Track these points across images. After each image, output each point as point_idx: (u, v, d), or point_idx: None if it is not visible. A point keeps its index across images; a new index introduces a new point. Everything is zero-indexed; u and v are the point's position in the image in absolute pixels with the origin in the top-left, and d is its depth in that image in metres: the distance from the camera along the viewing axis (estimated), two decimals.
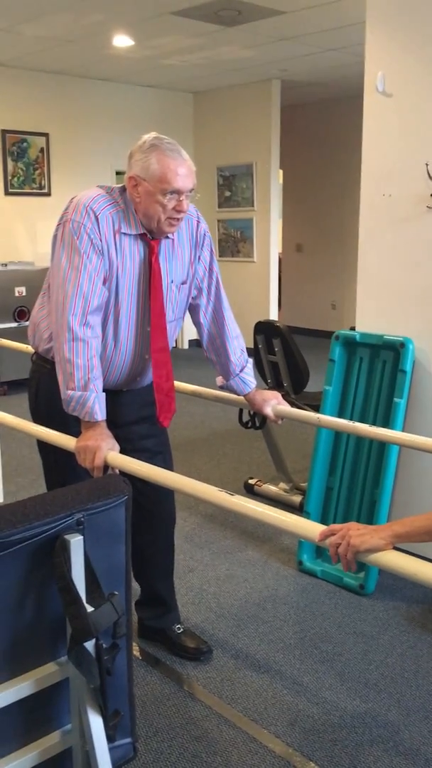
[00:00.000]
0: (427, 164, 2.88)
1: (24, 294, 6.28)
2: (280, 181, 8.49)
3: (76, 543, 1.40)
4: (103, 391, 2.02)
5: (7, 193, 6.90)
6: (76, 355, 1.97)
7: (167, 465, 2.33)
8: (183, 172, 2.00)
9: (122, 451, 1.99)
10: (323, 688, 2.35)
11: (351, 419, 2.97)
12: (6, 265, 6.43)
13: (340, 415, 3.11)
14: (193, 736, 2.12)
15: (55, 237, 2.08)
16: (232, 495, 1.66)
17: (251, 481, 4.00)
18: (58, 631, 1.46)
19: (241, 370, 2.36)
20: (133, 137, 2.09)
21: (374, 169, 3.09)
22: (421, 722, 2.19)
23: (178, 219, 2.05)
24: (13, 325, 6.23)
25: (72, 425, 2.04)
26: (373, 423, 2.95)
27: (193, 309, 2.34)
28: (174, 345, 2.51)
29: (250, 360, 2.41)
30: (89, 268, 2.00)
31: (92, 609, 1.41)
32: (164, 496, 2.40)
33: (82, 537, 1.41)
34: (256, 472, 4.24)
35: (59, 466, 2.21)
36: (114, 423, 2.09)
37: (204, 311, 2.33)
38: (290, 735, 2.14)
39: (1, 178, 6.83)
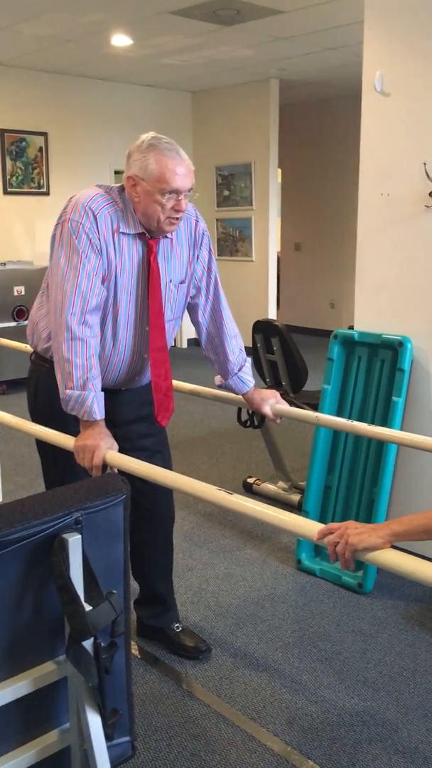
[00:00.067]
0: (425, 163, 2.88)
1: (23, 293, 6.28)
2: (279, 180, 8.49)
3: (75, 542, 1.40)
4: (102, 390, 2.02)
5: (5, 192, 6.90)
6: (75, 355, 1.97)
7: (166, 464, 2.33)
8: (181, 171, 2.00)
9: (121, 450, 1.99)
10: (322, 686, 2.35)
11: (349, 418, 2.97)
12: (5, 264, 6.43)
13: (339, 414, 3.11)
14: (191, 735, 2.13)
15: (53, 236, 2.08)
16: (230, 494, 1.66)
17: (250, 480, 4.00)
18: (57, 630, 1.46)
19: (239, 369, 2.36)
20: (132, 136, 2.09)
21: (372, 169, 3.09)
22: (419, 720, 2.19)
23: (177, 218, 2.06)
24: (12, 324, 6.23)
25: (71, 424, 2.04)
26: (372, 422, 2.95)
27: (191, 308, 2.34)
28: (173, 344, 2.53)
29: (249, 359, 2.42)
30: (88, 268, 2.00)
31: (90, 608, 1.41)
32: (163, 494, 2.40)
33: (80, 536, 1.41)
34: (255, 471, 4.24)
35: (58, 465, 2.21)
36: (113, 422, 2.09)
37: (202, 310, 2.33)
38: (289, 733, 2.14)
39: (0, 178, 6.83)
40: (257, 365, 4.04)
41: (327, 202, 8.85)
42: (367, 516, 3.01)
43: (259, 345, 4.01)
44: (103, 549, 1.49)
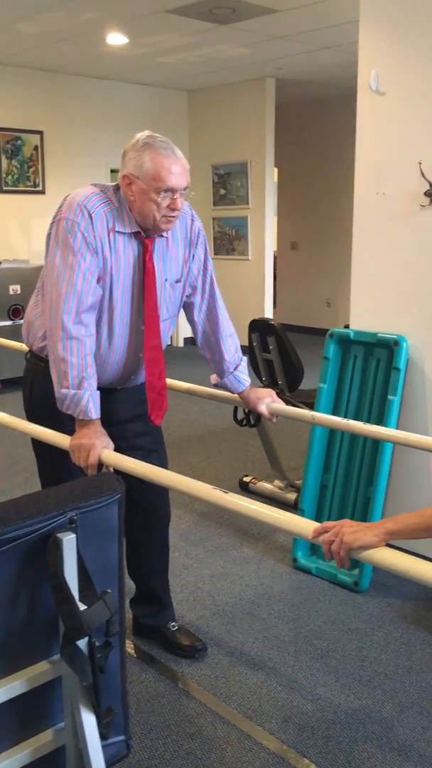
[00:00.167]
0: (420, 163, 2.89)
1: (18, 292, 6.28)
2: (275, 179, 8.49)
3: (69, 541, 1.40)
4: (98, 389, 2.02)
5: (1, 191, 6.89)
6: (70, 354, 1.97)
7: (162, 463, 2.33)
8: (177, 170, 1.99)
9: (117, 449, 1.99)
10: (317, 684, 2.36)
11: (345, 417, 2.98)
12: (0, 263, 6.42)
13: (335, 412, 3.11)
14: (187, 734, 2.13)
15: (49, 235, 2.08)
16: (226, 493, 1.66)
17: (246, 479, 4.00)
18: (51, 629, 1.46)
19: (235, 368, 2.36)
20: (128, 135, 2.09)
21: (368, 168, 3.09)
22: (414, 718, 2.20)
23: (172, 217, 2.05)
24: (8, 323, 6.22)
25: (66, 423, 2.04)
26: (367, 420, 2.95)
27: (187, 307, 2.34)
28: (169, 343, 2.52)
29: (245, 358, 2.42)
30: (83, 267, 1.99)
31: (85, 607, 1.41)
32: (159, 493, 2.40)
33: (74, 535, 1.41)
34: (251, 470, 4.24)
35: (53, 464, 2.21)
36: (108, 421, 2.08)
37: (198, 309, 2.33)
38: (284, 732, 2.14)
39: None
40: (253, 364, 4.04)
41: (323, 201, 8.85)
42: (363, 514, 3.01)
43: (255, 344, 4.01)
44: (97, 548, 1.49)
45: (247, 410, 2.51)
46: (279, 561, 3.19)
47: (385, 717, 2.21)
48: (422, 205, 2.92)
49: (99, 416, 1.99)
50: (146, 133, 2.03)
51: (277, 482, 3.88)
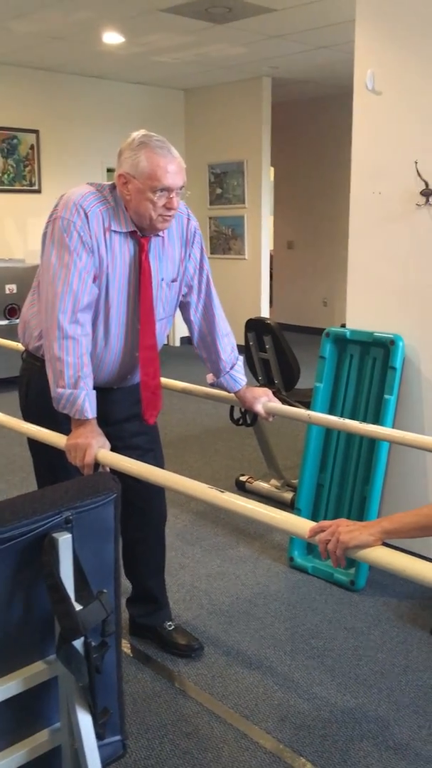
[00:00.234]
0: (416, 162, 2.89)
1: (14, 291, 6.26)
2: (271, 178, 8.49)
3: (65, 541, 1.39)
4: (94, 388, 2.02)
5: None
6: (66, 353, 1.97)
7: (158, 462, 2.33)
8: (173, 169, 1.99)
9: (113, 449, 1.99)
10: (314, 683, 2.36)
11: (341, 416, 2.98)
12: None
13: (331, 412, 3.11)
14: (183, 733, 2.13)
15: (44, 234, 2.07)
16: (222, 492, 1.66)
17: (242, 478, 4.00)
18: (47, 629, 1.46)
19: (231, 368, 2.36)
20: (124, 134, 2.09)
21: (364, 167, 3.09)
22: (410, 717, 2.20)
23: (168, 216, 2.05)
24: (4, 322, 6.21)
25: (62, 423, 2.04)
26: (364, 420, 2.95)
27: (183, 306, 2.33)
28: (165, 342, 2.52)
29: (241, 357, 2.42)
30: (79, 266, 1.99)
31: (81, 607, 1.41)
32: (155, 493, 2.40)
33: (70, 535, 1.41)
34: (248, 469, 4.24)
35: (50, 464, 2.21)
36: (105, 420, 2.08)
37: (194, 309, 2.33)
38: (281, 731, 2.14)
39: None
40: (249, 363, 4.04)
41: (319, 201, 8.86)
42: (359, 513, 3.01)
43: (251, 343, 4.01)
44: (93, 548, 1.49)
45: (243, 409, 2.51)
46: (275, 560, 3.19)
47: (382, 716, 2.21)
48: (418, 205, 2.92)
49: (95, 416, 1.99)
50: (142, 132, 2.03)
51: (273, 481, 3.88)
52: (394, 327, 3.01)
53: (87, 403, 1.97)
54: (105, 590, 1.46)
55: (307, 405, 3.29)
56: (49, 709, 1.54)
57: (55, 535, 1.39)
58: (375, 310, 3.12)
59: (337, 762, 2.02)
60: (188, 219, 2.24)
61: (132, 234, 2.08)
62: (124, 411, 2.28)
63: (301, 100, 8.74)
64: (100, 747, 1.49)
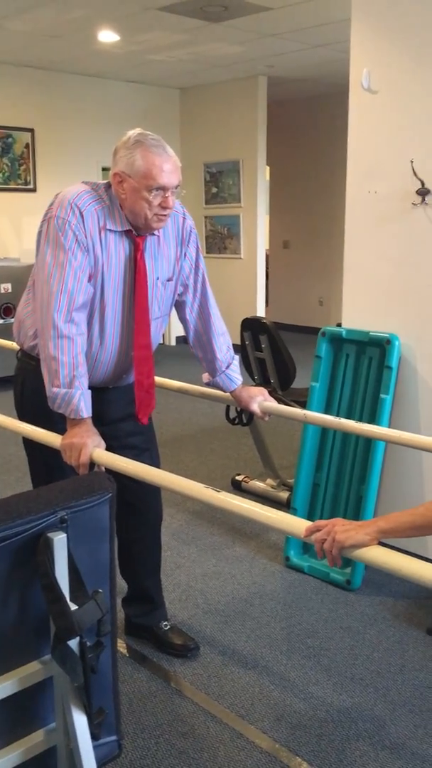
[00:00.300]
0: (412, 161, 2.89)
1: (9, 291, 6.25)
2: (267, 177, 8.49)
3: (60, 541, 1.39)
4: (90, 388, 2.01)
5: None
6: (61, 352, 1.96)
7: (154, 462, 2.32)
8: (168, 168, 1.99)
9: (109, 449, 1.98)
10: (310, 683, 2.36)
11: (337, 415, 2.98)
12: None
13: (327, 411, 3.11)
14: (179, 733, 2.12)
15: (39, 233, 2.06)
16: (218, 492, 1.66)
17: (238, 478, 4.00)
18: (42, 629, 1.45)
19: (227, 367, 2.36)
20: (120, 133, 2.08)
21: (360, 166, 3.09)
22: (406, 716, 2.20)
23: (164, 215, 2.05)
24: None
25: (58, 422, 2.03)
26: (360, 419, 2.95)
27: (179, 306, 2.33)
28: (161, 341, 2.52)
29: (237, 357, 2.41)
30: (74, 265, 1.98)
31: (76, 607, 1.40)
32: (151, 493, 2.39)
33: (65, 535, 1.40)
34: (244, 469, 4.24)
35: (45, 463, 2.20)
36: (100, 420, 2.08)
37: (190, 308, 2.32)
38: (277, 730, 2.14)
39: None
40: (245, 363, 4.04)
41: (315, 200, 8.86)
42: (355, 513, 3.01)
43: (247, 342, 4.01)
44: (88, 548, 1.48)
45: (239, 409, 2.50)
46: (271, 560, 3.19)
47: (378, 715, 2.21)
48: (414, 204, 2.92)
49: (90, 415, 1.99)
50: (137, 130, 2.02)
51: (269, 481, 3.88)
52: (390, 326, 3.01)
53: (82, 403, 1.97)
54: (100, 590, 1.45)
55: (303, 404, 3.29)
56: (45, 709, 1.53)
57: (50, 534, 1.39)
58: (371, 310, 3.12)
59: (333, 761, 2.02)
60: (184, 218, 2.24)
61: (127, 233, 2.08)
62: (119, 410, 2.27)
63: (297, 99, 8.74)
64: (95, 747, 1.49)
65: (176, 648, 2.48)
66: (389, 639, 2.60)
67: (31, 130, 7.02)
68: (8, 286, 6.25)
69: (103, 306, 2.08)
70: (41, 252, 2.03)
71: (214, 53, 6.38)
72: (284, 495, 3.73)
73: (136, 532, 2.42)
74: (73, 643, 1.42)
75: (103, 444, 1.97)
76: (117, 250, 2.07)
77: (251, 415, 2.45)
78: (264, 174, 7.77)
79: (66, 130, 7.26)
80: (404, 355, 2.99)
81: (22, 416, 2.23)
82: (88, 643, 1.44)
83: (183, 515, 3.62)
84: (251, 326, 3.99)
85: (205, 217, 8.08)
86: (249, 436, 3.93)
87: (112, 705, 1.64)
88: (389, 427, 2.86)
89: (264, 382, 3.98)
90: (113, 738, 1.65)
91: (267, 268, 8.50)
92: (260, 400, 2.36)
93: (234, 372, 2.37)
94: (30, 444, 2.22)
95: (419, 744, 2.09)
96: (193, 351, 2.39)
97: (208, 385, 2.43)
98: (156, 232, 2.13)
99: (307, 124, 8.79)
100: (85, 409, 1.97)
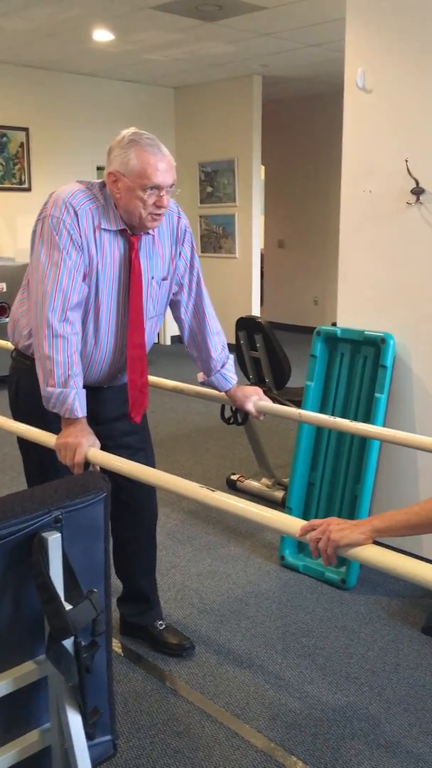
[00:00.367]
0: (406, 160, 2.89)
1: (4, 290, 6.23)
2: (262, 176, 8.50)
3: (54, 540, 1.39)
4: (84, 387, 2.01)
5: None
6: (56, 352, 1.96)
7: (149, 461, 2.32)
8: (163, 167, 1.98)
9: (103, 448, 1.98)
10: (305, 682, 2.36)
11: (332, 415, 2.98)
12: None
13: (322, 410, 3.11)
14: (175, 732, 2.12)
15: (34, 233, 2.06)
16: (213, 491, 1.66)
17: (233, 477, 4.00)
18: (36, 629, 1.45)
19: (222, 367, 2.36)
20: (114, 132, 2.08)
21: (355, 166, 3.09)
22: (401, 715, 2.21)
23: (159, 214, 2.04)
24: None
25: (52, 422, 2.03)
26: (355, 418, 2.96)
27: (174, 305, 2.33)
28: (156, 341, 2.51)
29: (231, 356, 2.41)
30: (69, 264, 1.98)
31: (70, 607, 1.40)
32: (146, 492, 2.39)
33: (60, 534, 1.40)
34: (239, 468, 4.24)
35: (40, 463, 2.20)
36: (95, 420, 2.08)
37: (185, 307, 2.32)
38: (272, 729, 2.14)
39: None
40: (240, 362, 4.04)
41: (310, 199, 8.86)
42: (350, 512, 3.02)
43: (242, 342, 4.01)
44: (83, 547, 1.48)
45: (234, 408, 2.50)
46: (266, 559, 3.19)
47: (373, 714, 2.21)
48: (409, 203, 2.92)
49: (85, 414, 1.98)
50: (132, 129, 2.02)
51: (264, 480, 3.88)
52: (385, 325, 3.02)
53: (77, 402, 1.96)
54: (95, 589, 1.45)
55: (298, 404, 3.29)
56: (39, 709, 1.53)
57: (44, 534, 1.38)
58: (366, 309, 3.12)
59: (328, 760, 2.03)
60: (179, 217, 2.23)
61: (122, 232, 2.07)
62: (114, 410, 2.27)
63: (291, 99, 8.74)
64: (90, 747, 1.49)
65: (171, 647, 2.48)
66: (384, 638, 2.60)
67: (26, 129, 7.00)
68: (3, 286, 6.24)
69: (97, 305, 2.08)
70: (36, 251, 2.03)
71: (209, 52, 6.38)
72: (279, 494, 3.73)
73: (131, 532, 2.42)
74: (68, 643, 1.42)
75: (97, 443, 1.97)
76: (112, 250, 2.06)
77: (246, 415, 2.45)
78: (259, 173, 7.78)
79: (61, 129, 7.24)
80: (399, 354, 3.00)
81: (17, 416, 2.23)
82: (83, 643, 1.44)
83: (178, 515, 3.62)
84: (246, 325, 3.99)
85: (200, 217, 8.08)
86: (244, 435, 3.93)
87: (107, 704, 1.64)
88: (384, 426, 2.87)
89: (259, 381, 3.98)
90: (108, 738, 1.65)
91: (262, 267, 8.51)
92: (255, 399, 2.36)
93: (229, 371, 2.37)
94: (25, 443, 2.22)
95: (414, 742, 2.09)
96: (188, 350, 2.39)
97: (203, 384, 2.43)
98: (151, 232, 2.13)
99: (302, 124, 8.80)
100: (80, 408, 1.97)
